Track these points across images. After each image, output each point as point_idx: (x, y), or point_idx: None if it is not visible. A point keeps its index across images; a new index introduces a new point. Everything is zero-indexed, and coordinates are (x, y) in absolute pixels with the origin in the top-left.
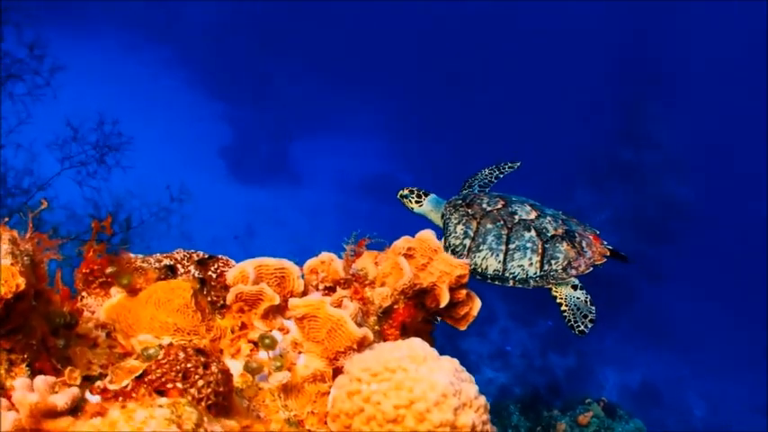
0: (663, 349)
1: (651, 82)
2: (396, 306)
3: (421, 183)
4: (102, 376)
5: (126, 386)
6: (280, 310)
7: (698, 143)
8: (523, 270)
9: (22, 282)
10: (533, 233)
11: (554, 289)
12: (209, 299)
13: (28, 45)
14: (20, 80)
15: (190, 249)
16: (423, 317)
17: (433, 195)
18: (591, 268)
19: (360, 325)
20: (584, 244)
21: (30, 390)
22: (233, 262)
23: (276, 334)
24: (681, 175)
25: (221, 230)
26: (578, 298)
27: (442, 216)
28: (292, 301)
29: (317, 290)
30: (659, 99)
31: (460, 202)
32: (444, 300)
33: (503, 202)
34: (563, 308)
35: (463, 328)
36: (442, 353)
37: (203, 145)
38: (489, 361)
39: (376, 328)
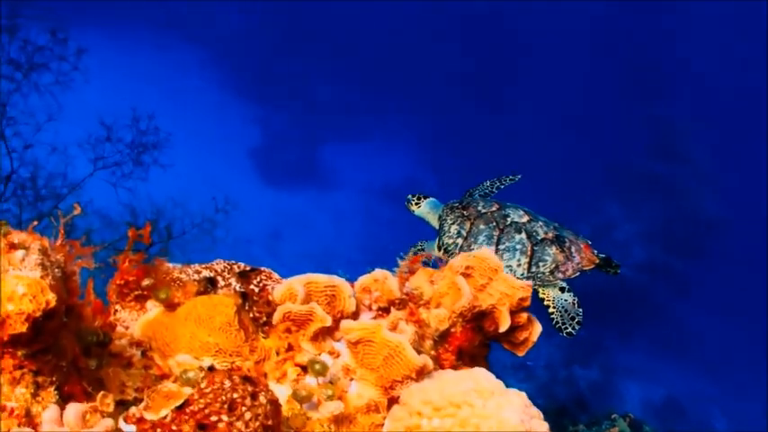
0: (688, 365)
1: (683, 96)
2: (453, 329)
3: (447, 189)
4: (137, 401)
5: (165, 417)
6: (329, 331)
7: (729, 158)
8: (511, 270)
9: (52, 298)
10: (524, 235)
11: (541, 291)
12: (251, 315)
13: (50, 30)
14: (45, 69)
15: (230, 260)
16: (480, 341)
17: (431, 199)
18: (578, 273)
19: (418, 351)
20: (573, 249)
21: (59, 424)
22: (276, 275)
23: (326, 358)
24: (711, 190)
25: (247, 232)
26: (566, 300)
27: (440, 218)
28: (346, 324)
29: (370, 310)
30: (691, 113)
31: (457, 204)
32: (505, 324)
33: (497, 206)
34: (550, 310)
35: (522, 354)
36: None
37: (232, 146)
38: (513, 371)
39: (432, 352)
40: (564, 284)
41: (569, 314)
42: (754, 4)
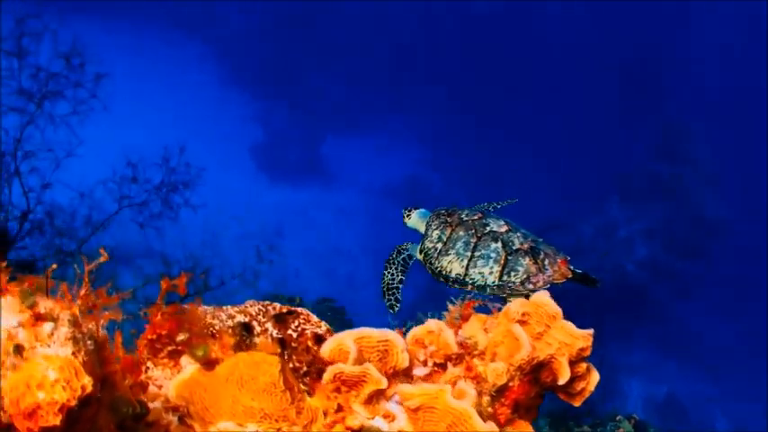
0: (690, 366)
1: (686, 97)
2: (510, 383)
3: (451, 187)
4: None
5: None
6: (382, 390)
7: (731, 159)
8: (483, 277)
9: (88, 382)
10: (499, 244)
11: (509, 300)
12: (290, 364)
13: (65, 55)
14: (60, 97)
15: (264, 301)
16: (536, 392)
17: (421, 209)
18: (548, 285)
19: (478, 412)
20: (546, 262)
21: None
22: (314, 317)
23: (380, 423)
24: (713, 191)
25: (250, 229)
26: None
27: (426, 224)
28: (405, 390)
29: (425, 366)
30: (694, 114)
31: (443, 211)
32: (564, 376)
33: (480, 216)
34: None
35: (578, 404)
36: None
37: (234, 143)
38: None
39: (489, 409)
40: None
41: None
42: (754, 4)
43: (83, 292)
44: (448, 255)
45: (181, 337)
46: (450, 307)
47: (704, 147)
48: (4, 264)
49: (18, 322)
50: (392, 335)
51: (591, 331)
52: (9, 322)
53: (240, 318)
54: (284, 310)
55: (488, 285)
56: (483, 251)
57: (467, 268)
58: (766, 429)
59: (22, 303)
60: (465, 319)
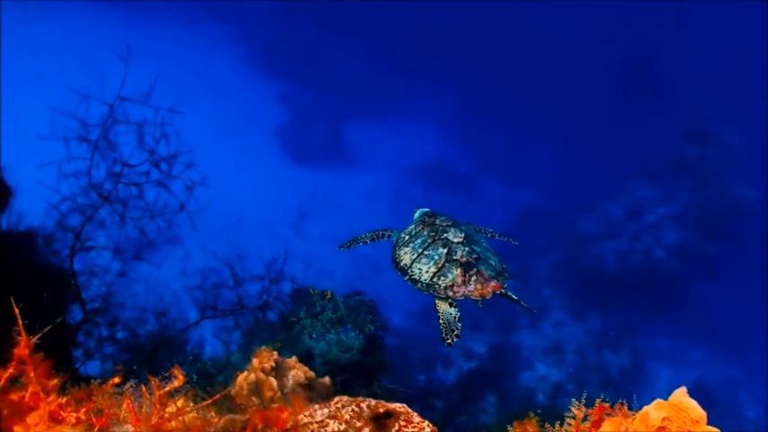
0: (717, 349)
1: (715, 79)
2: None
3: (476, 169)
4: None
5: None
6: None
7: (760, 142)
8: (420, 273)
9: None
10: (445, 251)
11: (437, 301)
12: None
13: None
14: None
15: (351, 397)
16: None
17: (424, 209)
18: (464, 298)
19: None
20: (473, 279)
21: None
22: (416, 416)
23: None
24: (744, 175)
25: (274, 212)
26: (451, 314)
27: (414, 219)
28: None
29: None
30: (723, 96)
31: (431, 212)
32: None
33: (450, 223)
34: (440, 320)
35: None
36: (495, 346)
37: (259, 124)
38: (543, 356)
39: None
40: (453, 301)
41: (451, 327)
42: None
43: None
44: (407, 246)
45: None
46: (575, 410)
47: (733, 129)
48: None
49: None
50: None
51: None
52: None
53: (335, 426)
54: (381, 410)
55: (420, 281)
56: (430, 252)
57: (413, 262)
58: None
59: None
60: (595, 425)
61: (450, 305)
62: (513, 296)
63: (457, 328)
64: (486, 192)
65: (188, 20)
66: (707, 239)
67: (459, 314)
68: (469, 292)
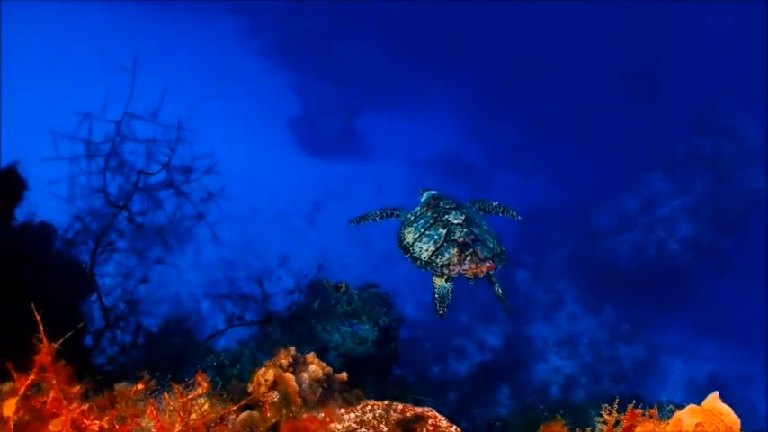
0: (731, 344)
1: (729, 72)
2: None
3: (488, 161)
4: None
5: None
6: None
7: None
8: (420, 251)
9: None
10: (444, 231)
11: (434, 278)
12: None
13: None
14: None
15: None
16: None
17: (431, 191)
18: (458, 275)
19: None
20: (468, 258)
21: None
22: (443, 420)
23: None
24: (759, 168)
25: (287, 203)
26: (446, 288)
27: (421, 201)
28: None
29: None
30: (738, 89)
31: (437, 195)
32: None
33: (455, 206)
34: (435, 294)
35: None
36: (508, 338)
37: (272, 116)
38: (556, 348)
39: None
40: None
41: (443, 300)
42: None
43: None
44: (411, 226)
45: None
46: (606, 415)
47: (749, 123)
48: None
49: None
50: None
51: None
52: None
53: None
54: (408, 414)
55: (420, 259)
56: (431, 232)
57: (414, 241)
58: None
59: None
60: (628, 429)
61: (447, 280)
62: (499, 289)
63: (448, 300)
64: (500, 184)
65: (202, 13)
66: (721, 233)
67: (452, 287)
68: (464, 270)
